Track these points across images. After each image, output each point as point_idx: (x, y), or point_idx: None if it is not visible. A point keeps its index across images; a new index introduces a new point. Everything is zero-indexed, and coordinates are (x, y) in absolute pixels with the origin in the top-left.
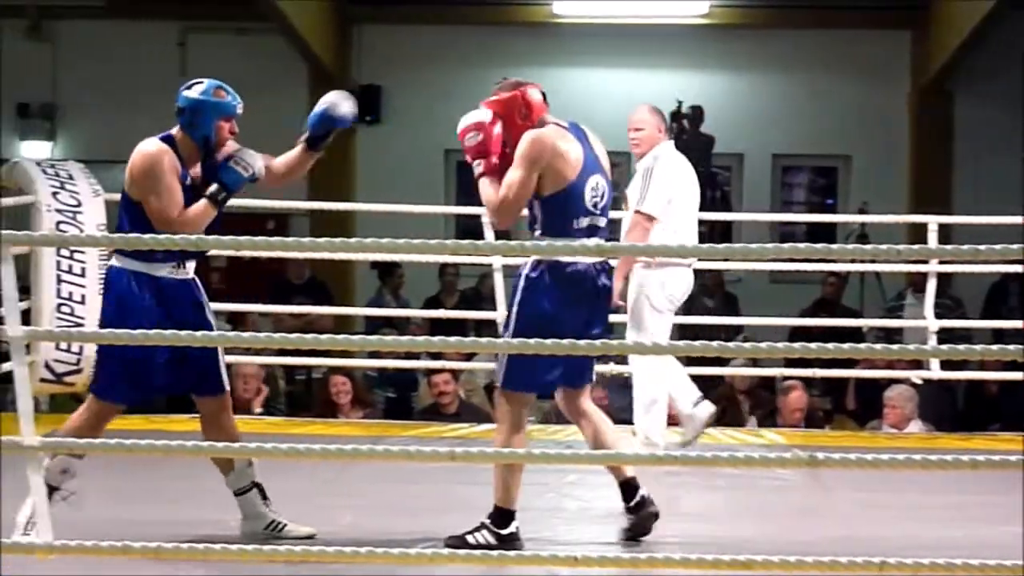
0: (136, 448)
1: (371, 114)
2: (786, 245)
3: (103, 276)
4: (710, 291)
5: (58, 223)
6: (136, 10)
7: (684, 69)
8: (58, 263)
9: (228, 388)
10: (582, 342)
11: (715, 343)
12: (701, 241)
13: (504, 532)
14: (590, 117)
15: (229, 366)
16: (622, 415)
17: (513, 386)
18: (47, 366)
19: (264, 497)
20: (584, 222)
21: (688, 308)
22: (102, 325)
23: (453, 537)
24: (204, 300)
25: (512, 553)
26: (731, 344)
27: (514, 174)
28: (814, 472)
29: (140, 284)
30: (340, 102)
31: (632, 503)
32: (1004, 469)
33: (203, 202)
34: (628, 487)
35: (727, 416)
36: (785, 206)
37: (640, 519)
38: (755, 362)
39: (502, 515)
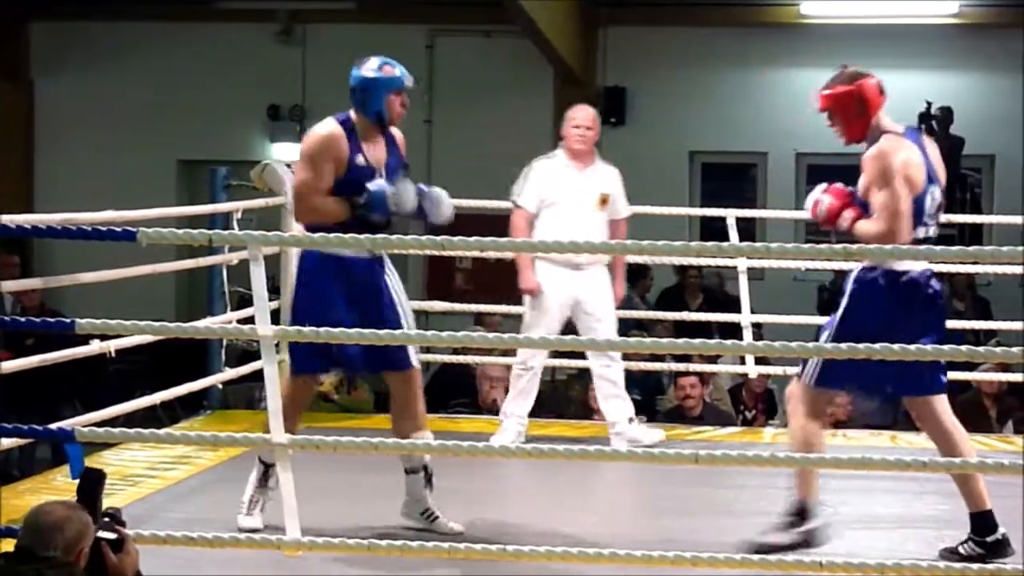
0: (383, 447)
1: (615, 116)
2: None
3: None
4: (960, 294)
5: None
6: (385, 13)
7: (933, 70)
8: None
9: (417, 365)
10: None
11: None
12: (951, 243)
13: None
14: None
15: (475, 368)
16: (868, 420)
17: (824, 383)
18: None
19: (429, 483)
20: (920, 232)
21: None
22: (294, 304)
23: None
24: (390, 280)
25: (756, 557)
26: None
27: (883, 196)
28: None
29: (327, 264)
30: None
31: (986, 540)
32: None
33: (343, 204)
34: (981, 520)
35: (974, 423)
36: None
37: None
38: (1006, 368)
39: (799, 509)
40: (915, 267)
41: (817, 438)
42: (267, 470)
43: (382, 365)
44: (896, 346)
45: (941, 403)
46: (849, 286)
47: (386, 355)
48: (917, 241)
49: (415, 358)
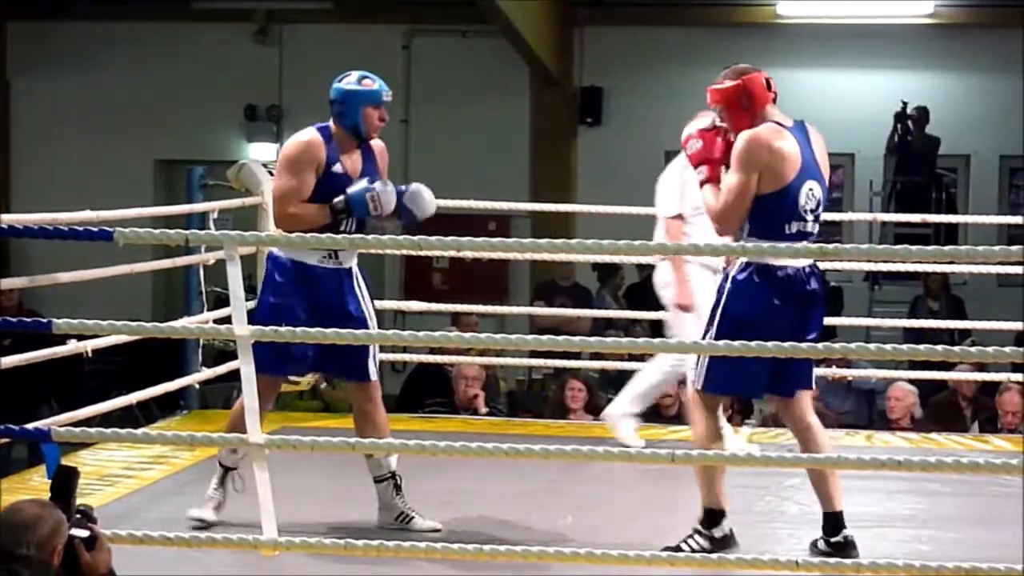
0: (360, 446)
1: (592, 116)
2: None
3: None
4: (934, 294)
5: None
6: (362, 13)
7: (909, 69)
8: None
9: (375, 378)
10: (784, 344)
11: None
12: (926, 243)
13: (717, 535)
14: (815, 118)
15: (451, 367)
16: (843, 419)
17: (711, 389)
18: None
19: (397, 488)
20: (794, 227)
21: (912, 311)
22: (257, 309)
23: (668, 548)
24: (358, 290)
25: (732, 556)
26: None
27: (731, 178)
28: None
29: (292, 271)
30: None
31: (833, 540)
32: None
33: (324, 209)
34: (831, 520)
35: (949, 422)
36: (1013, 209)
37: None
38: (981, 367)
39: (710, 516)
40: (792, 263)
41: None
42: (226, 473)
43: (341, 373)
44: (873, 346)
45: (806, 400)
46: (726, 285)
47: (346, 365)
48: (790, 236)
49: (375, 371)
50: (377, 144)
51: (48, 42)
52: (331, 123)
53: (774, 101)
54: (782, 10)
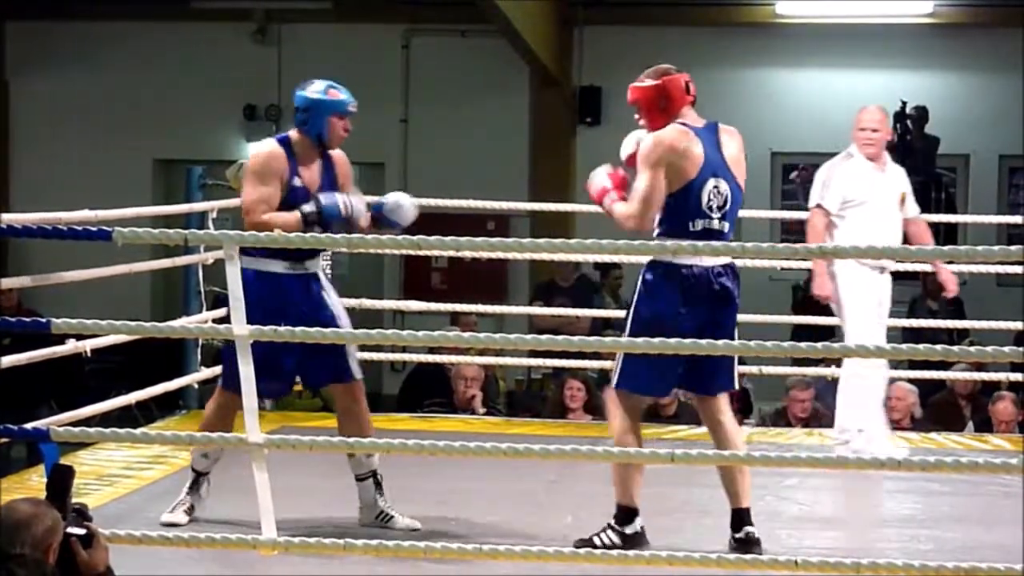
0: (359, 446)
1: (591, 116)
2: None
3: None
4: (934, 294)
5: None
6: (361, 13)
7: (908, 69)
8: None
9: (359, 377)
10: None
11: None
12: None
13: (628, 531)
14: (815, 118)
15: (450, 367)
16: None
17: (626, 387)
18: None
19: (378, 487)
20: (699, 225)
21: (912, 310)
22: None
23: (581, 540)
24: (326, 293)
25: (732, 556)
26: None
27: (640, 181)
28: None
29: (259, 280)
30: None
31: (737, 536)
32: None
33: (294, 215)
34: (737, 517)
35: (949, 421)
36: (1012, 208)
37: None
38: (980, 367)
39: (624, 513)
40: (700, 261)
41: (633, 446)
42: (198, 478)
43: (325, 379)
44: (873, 346)
45: (725, 399)
46: (637, 285)
47: (329, 368)
48: (696, 235)
49: (358, 370)
50: (338, 155)
51: (48, 42)
52: (293, 132)
53: (693, 104)
54: (781, 10)
